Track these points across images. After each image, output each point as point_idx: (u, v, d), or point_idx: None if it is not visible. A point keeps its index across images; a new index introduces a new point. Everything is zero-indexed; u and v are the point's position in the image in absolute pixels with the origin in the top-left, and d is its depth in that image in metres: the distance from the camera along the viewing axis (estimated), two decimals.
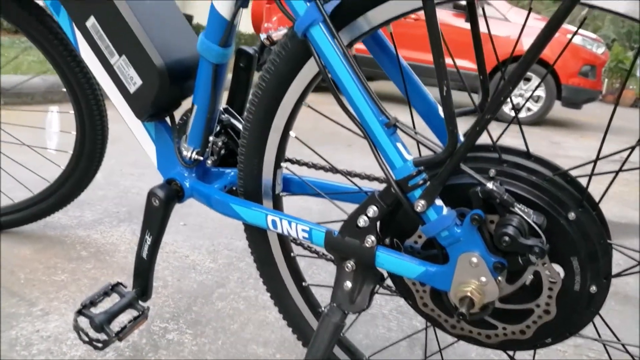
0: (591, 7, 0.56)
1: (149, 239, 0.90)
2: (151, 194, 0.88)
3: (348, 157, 2.76)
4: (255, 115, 0.78)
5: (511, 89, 0.55)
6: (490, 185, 0.61)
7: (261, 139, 0.80)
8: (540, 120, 5.28)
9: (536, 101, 5.32)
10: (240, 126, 0.91)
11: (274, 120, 0.78)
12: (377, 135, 0.66)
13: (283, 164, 0.84)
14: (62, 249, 1.39)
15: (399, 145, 0.65)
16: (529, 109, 5.31)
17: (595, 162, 0.63)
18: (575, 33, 0.60)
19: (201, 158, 0.88)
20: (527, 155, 0.68)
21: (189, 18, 9.16)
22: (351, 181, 0.85)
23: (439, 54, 0.57)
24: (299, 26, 0.66)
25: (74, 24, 0.85)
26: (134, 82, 0.83)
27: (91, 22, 0.82)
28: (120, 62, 0.83)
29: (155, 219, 0.88)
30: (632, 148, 0.61)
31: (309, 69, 0.72)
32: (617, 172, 0.65)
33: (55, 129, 1.30)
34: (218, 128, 0.90)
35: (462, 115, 0.77)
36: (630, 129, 6.19)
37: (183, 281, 1.30)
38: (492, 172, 0.66)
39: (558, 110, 6.52)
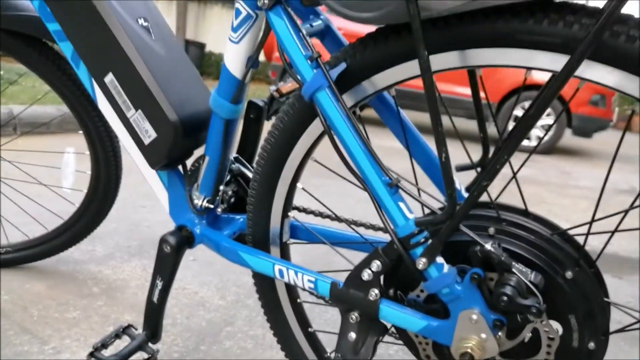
0: (582, 79, 0.59)
1: (159, 284, 0.93)
2: (163, 241, 0.91)
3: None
4: (264, 167, 0.82)
5: (506, 158, 0.58)
6: (488, 246, 0.63)
7: (269, 190, 0.83)
8: (550, 149, 5.29)
9: (547, 130, 5.33)
10: (250, 174, 0.95)
11: (282, 172, 0.81)
12: (380, 194, 0.68)
13: (290, 214, 0.87)
14: (74, 285, 1.42)
15: (401, 204, 0.68)
16: (539, 137, 5.32)
17: (590, 223, 0.65)
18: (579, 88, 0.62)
19: (212, 206, 0.91)
20: (525, 213, 0.70)
21: (201, 46, 9.37)
22: (356, 232, 0.87)
23: (437, 123, 0.60)
24: (306, 90, 0.70)
25: (92, 79, 0.89)
26: (148, 134, 0.87)
27: (109, 78, 0.87)
28: (136, 116, 0.87)
29: (167, 265, 0.91)
30: (626, 211, 0.63)
31: (316, 127, 0.76)
32: (612, 232, 0.67)
33: (71, 169, 1.35)
34: (228, 177, 0.93)
35: (462, 170, 0.80)
36: None
37: (192, 319, 1.32)
38: (491, 231, 0.69)
39: (569, 138, 6.53)
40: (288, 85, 0.95)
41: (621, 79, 0.56)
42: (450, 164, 0.62)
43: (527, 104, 4.89)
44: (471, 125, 6.17)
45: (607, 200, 3.30)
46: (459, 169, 0.81)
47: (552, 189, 3.50)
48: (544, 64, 0.59)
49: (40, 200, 1.54)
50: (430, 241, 0.67)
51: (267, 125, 0.84)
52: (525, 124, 0.57)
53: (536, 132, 5.34)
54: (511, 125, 4.93)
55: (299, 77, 0.71)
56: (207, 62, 9.27)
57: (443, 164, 0.61)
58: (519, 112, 5.11)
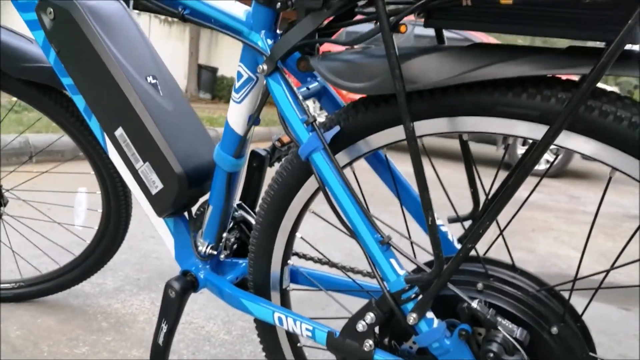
0: (560, 147, 0.62)
1: (164, 327, 0.97)
2: (168, 286, 0.94)
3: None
4: (264, 218, 0.85)
5: (488, 224, 0.61)
6: (475, 304, 0.66)
7: (270, 239, 0.87)
8: (560, 172, 5.28)
9: (555, 153, 5.33)
10: (252, 221, 0.99)
11: (282, 223, 0.85)
12: (372, 251, 0.72)
13: (290, 261, 0.90)
14: (84, 319, 1.46)
15: (392, 260, 0.71)
16: (547, 161, 5.32)
17: (574, 281, 0.68)
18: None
19: (215, 252, 0.95)
20: (513, 268, 0.73)
21: (214, 70, 9.53)
22: (353, 280, 0.91)
23: (423, 188, 0.64)
24: (303, 151, 0.74)
25: (104, 132, 0.94)
26: (155, 185, 0.92)
27: (119, 132, 0.92)
28: (144, 168, 0.92)
29: (171, 310, 0.95)
30: (608, 271, 0.66)
31: (312, 183, 0.79)
32: (596, 289, 0.70)
33: (83, 207, 1.40)
34: (231, 224, 0.97)
35: (453, 222, 0.83)
36: None
37: (197, 355, 1.35)
38: (480, 286, 0.71)
39: (578, 161, 6.51)
40: (285, 137, 0.99)
41: (597, 149, 0.60)
42: (437, 227, 0.65)
43: None
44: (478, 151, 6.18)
45: (616, 227, 3.29)
46: (450, 220, 0.85)
47: (560, 214, 3.50)
48: (523, 133, 0.63)
49: (52, 235, 1.59)
50: (420, 297, 0.70)
51: (270, 172, 0.88)
52: (506, 193, 0.60)
53: (545, 155, 5.34)
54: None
55: (296, 138, 0.75)
56: (219, 86, 9.43)
57: (430, 227, 0.65)
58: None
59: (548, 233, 2.97)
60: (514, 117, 0.62)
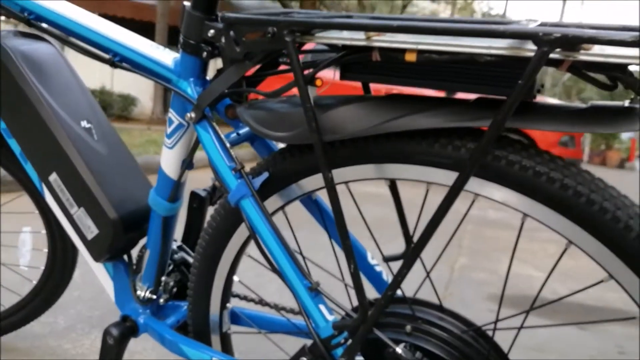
0: (475, 194, 0.64)
1: None
2: (106, 332, 0.93)
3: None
4: (200, 263, 0.85)
5: (400, 280, 0.62)
6: (399, 349, 0.67)
7: (207, 283, 0.86)
8: None
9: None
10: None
11: (218, 268, 0.85)
12: (301, 297, 0.72)
13: (229, 304, 0.90)
14: None
15: (322, 306, 0.72)
16: None
17: (495, 322, 0.70)
18: None
19: (154, 297, 0.94)
20: (440, 309, 0.74)
21: None
22: (291, 322, 0.91)
23: (344, 236, 0.65)
24: (232, 198, 0.74)
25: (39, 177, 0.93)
26: (91, 230, 0.91)
27: (53, 177, 0.91)
28: (79, 213, 0.91)
29: (110, 357, 0.93)
30: (528, 311, 0.68)
31: (245, 229, 0.80)
32: (519, 329, 0.71)
33: (28, 247, 1.37)
34: (171, 267, 0.97)
35: (388, 261, 0.84)
36: None
37: None
38: (408, 329, 0.72)
39: None
40: None
41: (508, 196, 0.62)
42: (359, 274, 0.66)
43: None
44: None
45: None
46: (386, 259, 0.86)
47: (523, 233, 3.56)
48: (440, 180, 0.65)
49: None
50: (349, 342, 0.70)
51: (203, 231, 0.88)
52: (421, 239, 0.62)
53: None
54: None
55: (225, 185, 0.76)
56: None
57: (352, 274, 0.65)
58: None
59: (510, 253, 3.02)
60: (430, 165, 0.64)
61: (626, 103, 0.56)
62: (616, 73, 0.52)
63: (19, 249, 1.37)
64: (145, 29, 9.77)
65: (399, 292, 0.75)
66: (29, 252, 1.39)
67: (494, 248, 3.07)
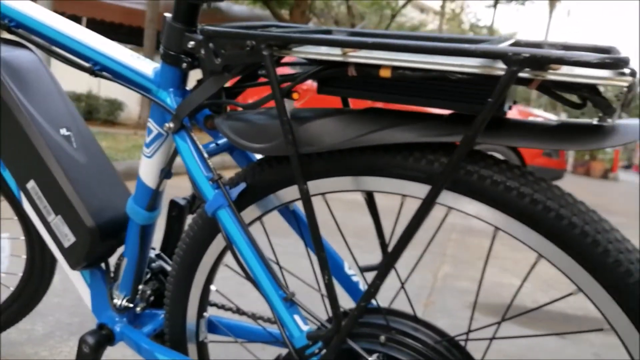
0: (449, 207, 0.65)
1: None
2: (82, 341, 0.92)
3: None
4: (177, 272, 0.85)
5: (374, 291, 0.63)
6: (372, 359, 0.67)
7: (184, 293, 0.86)
8: None
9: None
10: None
11: (195, 277, 0.85)
12: (277, 307, 0.72)
13: (206, 314, 0.90)
14: None
15: (296, 316, 0.72)
16: None
17: (467, 333, 0.70)
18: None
19: (131, 305, 0.94)
20: (415, 319, 0.75)
21: None
22: (268, 332, 0.91)
23: (319, 247, 0.65)
24: (209, 208, 0.74)
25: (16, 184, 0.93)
26: (68, 238, 0.90)
27: (31, 184, 0.90)
28: (56, 221, 0.90)
29: None
30: (500, 322, 0.69)
31: (222, 238, 0.80)
32: (491, 339, 0.72)
33: (6, 253, 1.36)
34: (149, 275, 0.96)
35: (365, 271, 0.85)
36: (597, 205, 6.39)
37: None
38: (382, 339, 0.73)
39: None
40: None
41: (480, 210, 0.63)
42: (333, 285, 0.67)
43: None
44: None
45: None
46: (363, 269, 0.87)
47: (505, 242, 3.59)
48: (414, 193, 0.65)
49: None
50: (323, 352, 0.71)
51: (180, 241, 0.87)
52: (394, 252, 0.62)
53: None
54: None
55: (202, 195, 0.76)
56: None
57: (326, 286, 0.66)
58: None
59: (493, 261, 3.05)
60: (405, 178, 0.65)
61: (595, 121, 0.57)
62: (584, 93, 0.54)
63: None
64: (135, 34, 9.74)
65: (376, 302, 0.76)
66: (7, 258, 1.38)
67: (477, 257, 3.09)
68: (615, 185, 10.23)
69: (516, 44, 0.65)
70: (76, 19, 8.72)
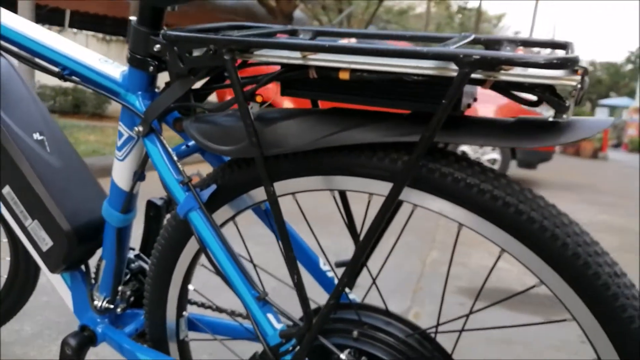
0: (413, 204, 0.66)
1: None
2: (64, 343, 0.93)
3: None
4: (154, 273, 0.86)
5: (341, 289, 0.64)
6: (343, 356, 0.69)
7: (162, 292, 0.87)
8: None
9: (493, 164, 5.54)
10: None
11: (172, 277, 0.86)
12: (250, 306, 0.74)
13: (185, 313, 0.91)
14: None
15: (270, 315, 0.73)
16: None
17: (437, 326, 0.72)
18: None
19: (111, 306, 0.95)
20: (387, 314, 0.77)
21: None
22: (246, 329, 0.92)
23: (288, 248, 0.66)
24: (180, 211, 0.75)
25: None
26: (45, 242, 0.91)
27: (7, 190, 0.90)
28: (33, 225, 0.91)
29: None
30: (468, 315, 0.70)
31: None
32: (460, 332, 0.74)
33: None
34: (128, 276, 0.97)
35: (340, 267, 0.86)
36: (586, 185, 6.45)
37: None
38: (355, 334, 0.74)
39: (514, 171, 6.78)
40: (196, 176, 1.00)
41: (443, 206, 0.64)
42: (303, 285, 0.68)
43: None
44: None
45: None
46: (338, 264, 0.88)
47: None
48: (379, 191, 0.66)
49: None
50: (297, 349, 0.72)
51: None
52: (359, 248, 0.64)
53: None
54: None
55: (173, 198, 0.76)
56: None
57: (296, 285, 0.67)
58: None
59: (481, 246, 3.08)
60: (371, 177, 0.66)
61: (550, 118, 0.58)
62: (538, 92, 0.55)
63: None
64: (120, 25, 9.61)
65: (347, 297, 0.77)
66: None
67: (464, 243, 3.12)
68: (605, 165, 10.30)
69: (475, 41, 0.66)
70: (59, 12, 8.60)
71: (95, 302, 0.95)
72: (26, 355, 1.50)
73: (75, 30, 8.54)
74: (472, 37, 0.66)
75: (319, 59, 0.59)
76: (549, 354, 1.79)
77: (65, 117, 6.79)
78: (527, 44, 0.65)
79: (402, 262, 2.56)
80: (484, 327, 0.68)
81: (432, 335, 0.75)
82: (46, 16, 8.04)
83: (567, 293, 0.60)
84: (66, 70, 0.83)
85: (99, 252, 0.99)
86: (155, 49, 0.74)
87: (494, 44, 0.66)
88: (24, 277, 1.35)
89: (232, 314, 0.97)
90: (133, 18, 0.76)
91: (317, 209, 0.80)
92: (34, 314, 1.73)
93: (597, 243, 0.60)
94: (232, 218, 0.80)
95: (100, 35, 8.57)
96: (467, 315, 0.71)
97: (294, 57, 0.61)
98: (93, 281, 0.97)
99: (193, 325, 0.96)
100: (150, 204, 0.98)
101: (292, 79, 0.64)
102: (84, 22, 9.21)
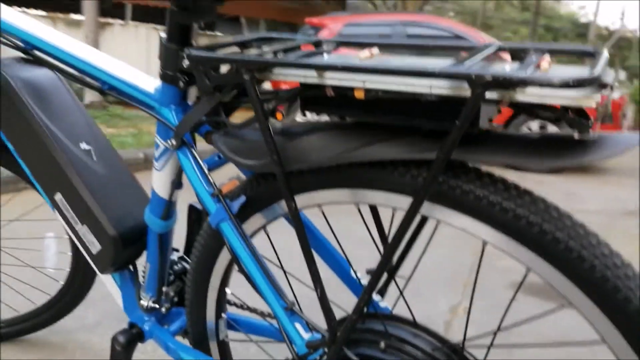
0: (437, 220, 0.65)
1: None
2: (114, 340, 0.99)
3: None
4: (193, 276, 0.90)
5: (367, 297, 0.65)
6: None
7: (201, 295, 0.91)
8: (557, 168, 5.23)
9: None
10: None
11: (210, 281, 0.89)
12: (279, 316, 0.76)
13: (224, 315, 0.94)
14: (63, 357, 1.52)
15: (297, 325, 0.75)
16: None
17: (463, 340, 0.71)
18: None
19: (157, 306, 1.00)
20: (414, 325, 0.76)
21: None
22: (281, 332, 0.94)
23: (310, 261, 0.67)
24: (212, 221, 0.78)
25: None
26: (94, 246, 0.97)
27: (59, 197, 0.97)
28: (83, 230, 0.97)
29: None
30: (496, 331, 0.69)
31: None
32: (489, 347, 0.72)
33: (53, 251, 1.47)
34: (172, 277, 1.02)
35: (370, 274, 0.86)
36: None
37: None
38: (382, 345, 0.75)
39: None
40: (228, 185, 1.03)
41: (466, 222, 0.63)
42: (327, 297, 0.69)
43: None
44: None
45: (612, 225, 3.26)
46: (369, 272, 0.88)
47: None
48: (402, 205, 0.66)
49: (25, 279, 1.65)
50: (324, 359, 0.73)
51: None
52: (382, 260, 0.64)
53: None
54: None
55: (206, 208, 0.79)
56: None
57: (320, 298, 0.68)
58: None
59: None
60: (393, 191, 0.66)
61: (576, 135, 0.56)
62: (556, 113, 0.52)
63: (44, 253, 1.47)
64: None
65: (375, 307, 0.78)
66: (54, 255, 1.49)
67: None
68: None
69: (501, 48, 0.63)
70: (120, 6, 8.86)
71: (142, 302, 1.00)
72: (89, 341, 1.61)
73: (136, 23, 8.81)
74: (497, 46, 0.64)
75: (334, 77, 0.59)
76: None
77: None
78: (554, 52, 0.61)
79: (452, 254, 2.51)
80: (514, 345, 0.67)
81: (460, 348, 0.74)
82: (108, 11, 8.34)
83: (600, 318, 0.58)
84: (106, 85, 0.87)
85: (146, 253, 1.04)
86: (185, 65, 0.76)
87: (520, 52, 0.63)
88: (84, 270, 1.45)
89: (269, 315, 1.00)
90: (163, 35, 0.78)
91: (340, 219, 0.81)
92: (95, 304, 1.85)
93: (629, 265, 0.57)
94: (264, 227, 0.82)
95: (159, 27, 8.79)
96: (496, 332, 0.70)
97: (310, 76, 0.61)
98: (140, 281, 1.02)
99: (232, 325, 1.00)
100: (191, 208, 1.02)
101: (312, 96, 0.65)
102: (145, 14, 9.49)
